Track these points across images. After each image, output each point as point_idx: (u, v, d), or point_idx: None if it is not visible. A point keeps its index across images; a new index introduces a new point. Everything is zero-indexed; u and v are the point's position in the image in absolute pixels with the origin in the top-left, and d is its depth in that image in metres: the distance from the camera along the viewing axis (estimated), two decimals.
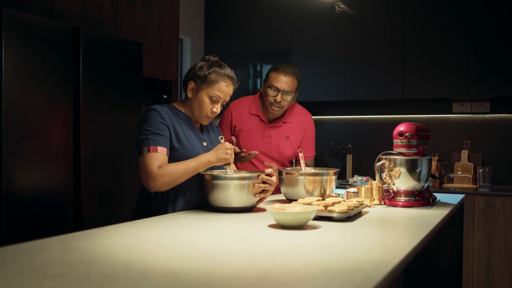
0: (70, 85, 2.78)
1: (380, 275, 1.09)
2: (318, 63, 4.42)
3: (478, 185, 3.87)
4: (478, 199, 3.68)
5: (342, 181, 4.39)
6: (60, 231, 1.81)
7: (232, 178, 1.94)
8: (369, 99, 4.36)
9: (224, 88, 2.07)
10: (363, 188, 2.24)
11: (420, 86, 4.07)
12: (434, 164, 4.04)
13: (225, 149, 1.99)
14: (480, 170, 3.84)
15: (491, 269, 3.62)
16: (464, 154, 4.16)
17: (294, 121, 2.74)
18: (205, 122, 2.13)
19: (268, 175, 1.99)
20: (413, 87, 4.09)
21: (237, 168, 2.68)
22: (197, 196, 2.07)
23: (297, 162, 2.69)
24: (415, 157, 2.22)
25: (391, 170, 2.22)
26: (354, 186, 2.60)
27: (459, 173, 4.12)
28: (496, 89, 3.85)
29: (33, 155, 2.57)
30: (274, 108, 2.62)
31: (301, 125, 2.76)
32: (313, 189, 2.19)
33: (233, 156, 2.03)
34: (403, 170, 2.19)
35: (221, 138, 2.10)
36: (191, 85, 2.09)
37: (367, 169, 4.51)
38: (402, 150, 2.26)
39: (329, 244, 1.41)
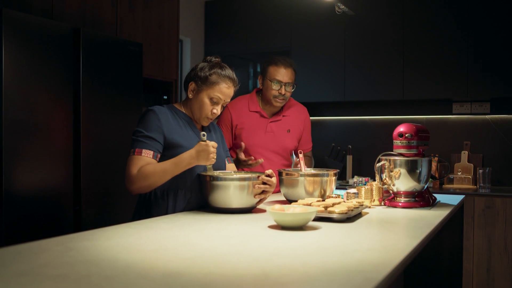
0: (70, 86, 2.78)
1: (380, 276, 1.09)
2: (318, 63, 4.42)
3: (478, 186, 3.87)
4: (478, 199, 3.68)
5: (342, 182, 4.39)
6: (60, 232, 1.81)
7: (232, 179, 1.94)
8: (369, 99, 4.36)
9: (225, 90, 2.07)
10: (363, 189, 2.24)
11: (420, 86, 4.07)
12: (434, 165, 4.04)
13: (208, 153, 1.90)
14: (480, 170, 3.84)
15: (491, 270, 3.62)
16: (464, 155, 4.16)
17: (292, 114, 2.80)
18: (205, 123, 2.13)
19: (268, 175, 1.99)
20: (413, 88, 4.09)
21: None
22: (197, 197, 2.06)
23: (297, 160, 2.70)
24: (415, 158, 2.22)
25: (391, 171, 2.22)
26: (354, 187, 2.60)
27: (459, 174, 4.12)
28: (496, 89, 3.86)
29: (33, 156, 2.57)
30: (278, 100, 2.68)
31: (300, 118, 2.83)
32: (313, 190, 2.19)
33: (215, 158, 1.96)
34: (403, 171, 2.19)
35: (203, 135, 1.94)
36: (192, 86, 2.09)
37: (367, 170, 4.51)
38: (402, 151, 2.26)
39: (329, 245, 1.41)
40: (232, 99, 2.17)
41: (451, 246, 2.68)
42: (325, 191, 2.21)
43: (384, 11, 4.20)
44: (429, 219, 1.91)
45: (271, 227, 1.67)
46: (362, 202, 2.09)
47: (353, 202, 2.02)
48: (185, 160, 1.92)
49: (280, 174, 2.28)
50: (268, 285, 1.04)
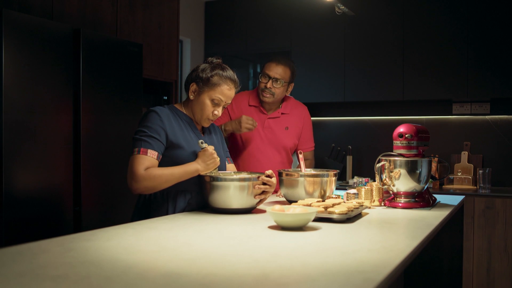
0: (70, 87, 2.78)
1: (380, 276, 1.09)
2: (318, 64, 4.42)
3: (478, 187, 3.87)
4: (478, 200, 3.68)
5: (342, 183, 4.39)
6: (60, 233, 1.82)
7: (232, 180, 1.94)
8: (369, 100, 4.36)
9: (226, 91, 2.07)
10: (363, 189, 2.24)
11: (420, 87, 4.07)
12: (434, 165, 4.04)
13: (213, 159, 1.98)
14: (480, 171, 3.84)
15: (491, 271, 3.62)
16: (464, 155, 4.16)
17: (292, 113, 2.83)
18: (206, 124, 2.13)
19: (268, 176, 1.99)
20: (413, 89, 4.09)
21: (238, 167, 2.70)
22: (197, 197, 2.06)
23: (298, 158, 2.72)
24: (415, 158, 2.22)
25: (391, 172, 2.22)
26: (354, 188, 2.60)
27: (459, 174, 4.12)
28: (496, 90, 3.86)
29: (33, 156, 2.57)
30: (265, 95, 2.71)
31: (299, 117, 2.85)
32: (313, 191, 2.19)
33: (219, 162, 2.03)
34: (403, 171, 2.19)
35: (202, 143, 1.99)
36: (193, 87, 2.08)
37: (367, 171, 4.51)
38: (402, 151, 2.26)
39: (329, 246, 1.41)
40: None
41: (451, 246, 2.68)
42: (325, 192, 2.21)
43: (384, 11, 4.21)
44: (429, 219, 1.91)
45: (271, 227, 1.67)
46: (362, 202, 2.09)
47: (353, 203, 2.02)
48: (193, 170, 1.96)
49: (280, 174, 2.28)
50: (268, 285, 1.04)
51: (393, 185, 2.23)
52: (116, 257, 1.25)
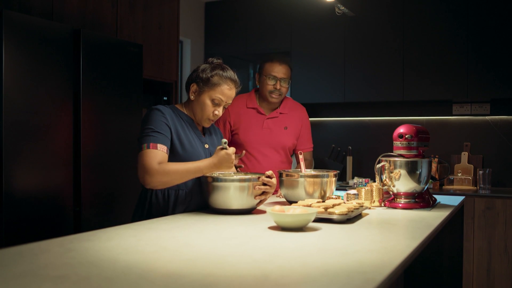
0: (70, 87, 2.78)
1: (380, 277, 1.09)
2: (318, 64, 4.42)
3: (478, 187, 3.87)
4: (478, 201, 3.68)
5: (342, 183, 4.39)
6: (60, 233, 1.82)
7: (233, 180, 1.94)
8: (369, 101, 4.36)
9: (227, 91, 2.07)
10: (363, 190, 2.24)
11: (420, 88, 4.07)
12: (434, 166, 4.04)
13: (231, 162, 1.94)
14: (480, 172, 3.84)
15: (492, 271, 3.62)
16: (464, 156, 4.16)
17: (290, 112, 2.83)
18: (207, 125, 2.13)
19: (268, 177, 1.99)
20: (413, 89, 4.09)
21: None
22: (198, 198, 2.06)
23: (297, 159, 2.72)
24: (415, 159, 2.22)
25: (391, 172, 2.22)
26: (354, 188, 2.60)
27: (459, 175, 4.12)
28: (496, 90, 3.86)
29: (34, 157, 2.57)
30: (274, 96, 2.71)
31: (299, 116, 2.85)
32: (313, 191, 2.19)
33: (233, 167, 2.02)
34: (403, 172, 2.20)
35: (225, 143, 1.93)
36: (194, 87, 2.09)
37: (367, 171, 4.51)
38: (402, 152, 2.26)
39: (329, 246, 1.41)
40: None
41: (451, 247, 2.68)
42: (325, 192, 2.21)
43: (384, 12, 4.21)
44: (429, 220, 1.91)
45: (271, 228, 1.67)
46: (362, 203, 2.09)
47: (353, 203, 2.02)
48: (206, 167, 1.93)
49: (280, 175, 2.28)
50: (268, 286, 1.04)
51: (393, 186, 2.23)
52: (116, 257, 1.25)
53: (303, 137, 2.85)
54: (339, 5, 2.92)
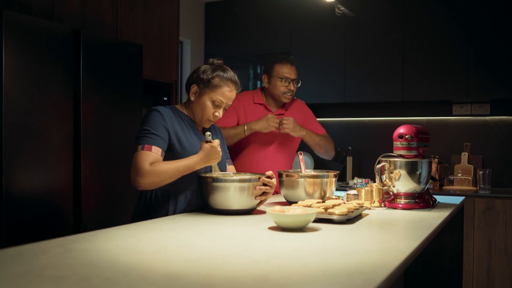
0: (70, 87, 2.78)
1: (380, 277, 1.09)
2: (318, 65, 4.42)
3: (478, 187, 3.87)
4: (478, 201, 3.68)
5: (342, 183, 4.39)
6: (60, 233, 1.82)
7: (233, 180, 1.94)
8: (369, 101, 4.36)
9: (227, 93, 2.07)
10: (363, 190, 2.24)
11: (420, 88, 4.07)
12: (434, 166, 4.04)
13: (217, 153, 1.95)
14: (480, 172, 3.84)
15: (492, 272, 3.62)
16: (464, 156, 4.16)
17: (292, 108, 2.91)
18: (207, 126, 2.13)
19: (269, 177, 1.99)
20: (413, 89, 4.09)
21: (241, 166, 2.72)
22: (198, 198, 2.06)
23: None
24: (415, 159, 2.22)
25: (391, 172, 2.22)
26: (354, 188, 2.60)
27: (459, 175, 4.12)
28: (496, 91, 3.86)
29: (34, 157, 2.57)
30: (287, 96, 2.79)
31: (300, 111, 2.92)
32: (313, 191, 2.19)
33: (220, 158, 2.01)
34: (403, 172, 2.19)
35: (209, 135, 1.95)
36: (194, 88, 2.08)
37: (367, 171, 4.51)
38: (402, 152, 2.26)
39: (329, 247, 1.41)
40: None
41: (451, 247, 2.68)
42: (325, 193, 2.21)
43: (384, 12, 4.21)
44: (429, 220, 1.91)
45: (271, 228, 1.67)
46: (362, 203, 2.09)
47: (353, 204, 2.02)
48: (195, 163, 1.94)
49: (280, 175, 2.28)
50: (268, 286, 1.04)
51: (393, 186, 2.23)
52: (117, 258, 1.25)
53: (310, 124, 2.91)
54: (339, 5, 2.92)
